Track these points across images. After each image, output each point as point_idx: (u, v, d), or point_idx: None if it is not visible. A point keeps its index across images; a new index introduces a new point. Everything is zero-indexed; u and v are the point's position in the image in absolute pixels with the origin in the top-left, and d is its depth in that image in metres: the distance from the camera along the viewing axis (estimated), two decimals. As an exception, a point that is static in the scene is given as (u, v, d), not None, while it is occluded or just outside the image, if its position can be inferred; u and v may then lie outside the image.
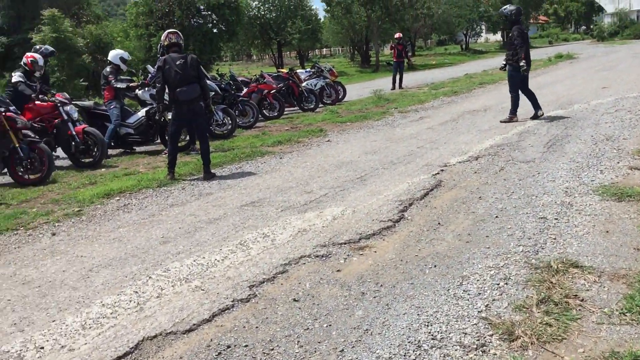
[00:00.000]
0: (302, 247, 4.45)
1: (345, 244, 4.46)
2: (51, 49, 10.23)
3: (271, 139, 10.07)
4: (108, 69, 9.69)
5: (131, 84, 9.83)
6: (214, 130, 10.78)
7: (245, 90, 13.07)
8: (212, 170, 7.45)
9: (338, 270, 3.95)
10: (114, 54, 9.91)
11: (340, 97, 16.14)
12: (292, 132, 10.89)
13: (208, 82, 10.65)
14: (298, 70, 16.21)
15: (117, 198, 6.51)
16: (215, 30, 34.42)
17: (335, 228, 4.86)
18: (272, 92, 13.21)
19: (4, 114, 7.42)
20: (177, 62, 7.05)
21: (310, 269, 4.00)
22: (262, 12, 42.02)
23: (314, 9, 44.58)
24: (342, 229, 4.81)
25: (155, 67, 7.53)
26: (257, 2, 41.62)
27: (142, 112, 9.63)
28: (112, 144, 9.60)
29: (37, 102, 8.50)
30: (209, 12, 34.11)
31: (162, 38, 7.45)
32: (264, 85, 13.14)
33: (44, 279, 4.15)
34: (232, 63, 69.68)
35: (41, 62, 9.05)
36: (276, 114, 13.35)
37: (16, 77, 8.68)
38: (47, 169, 7.59)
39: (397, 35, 20.62)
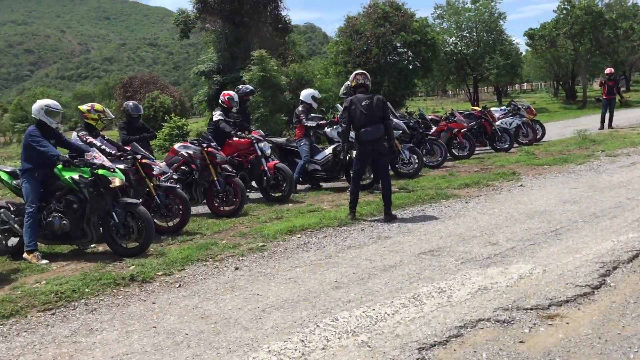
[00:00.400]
0: (481, 308, 4.03)
1: (531, 309, 3.95)
2: (251, 88, 10.98)
3: (458, 180, 9.64)
4: (300, 107, 10.14)
5: (321, 122, 10.16)
6: (399, 169, 10.67)
7: (434, 128, 12.80)
8: (393, 212, 7.28)
9: (521, 342, 3.48)
10: (305, 94, 10.35)
11: (538, 137, 15.07)
12: (482, 174, 10.33)
13: (396, 120, 10.63)
14: (492, 108, 15.50)
15: (299, 235, 6.63)
16: (410, 67, 34.71)
17: (521, 289, 4.35)
18: (462, 130, 12.76)
19: (205, 149, 8.08)
20: (363, 103, 7.11)
21: (489, 336, 3.58)
22: (459, 48, 41.49)
23: (515, 43, 42.68)
24: (529, 291, 4.29)
25: (343, 106, 7.66)
26: (454, 38, 41.25)
27: (329, 150, 9.87)
28: (301, 179, 9.96)
29: (235, 139, 9.16)
30: (405, 50, 34.61)
31: (350, 79, 7.60)
32: (453, 123, 12.76)
33: (220, 315, 4.28)
34: (427, 99, 69.76)
35: (236, 98, 9.72)
36: (466, 153, 12.85)
37: (217, 115, 9.42)
38: (239, 202, 8.06)
39: (607, 70, 18.79)
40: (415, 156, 10.74)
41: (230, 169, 8.45)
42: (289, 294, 4.67)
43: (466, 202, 7.93)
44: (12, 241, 6.48)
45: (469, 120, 13.69)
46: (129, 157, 6.95)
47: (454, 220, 6.93)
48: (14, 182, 6.56)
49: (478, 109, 14.35)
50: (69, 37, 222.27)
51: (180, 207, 7.14)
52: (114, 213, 6.05)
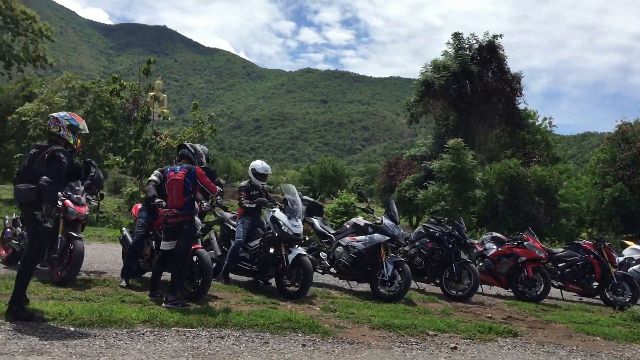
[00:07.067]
0: None
1: None
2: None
3: (419, 319, 6.63)
4: (243, 183, 8.51)
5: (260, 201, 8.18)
6: (379, 287, 8.04)
7: (494, 250, 9.40)
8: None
9: None
10: (251, 166, 8.54)
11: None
12: (488, 322, 7.00)
13: (386, 221, 8.19)
14: (633, 246, 10.73)
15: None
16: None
17: None
18: (532, 261, 9.02)
19: (63, 200, 7.12)
20: (32, 151, 5.45)
21: None
22: None
23: None
24: None
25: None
26: None
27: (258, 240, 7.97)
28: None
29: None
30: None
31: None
32: (520, 249, 9.10)
33: None
34: None
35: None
36: (536, 294, 9.01)
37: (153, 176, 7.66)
38: (69, 271, 6.84)
39: None
40: (400, 274, 7.94)
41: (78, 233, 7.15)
42: None
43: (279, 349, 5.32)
44: None
45: (572, 254, 9.73)
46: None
47: None
48: None
49: (589, 242, 9.93)
50: (402, 120, 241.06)
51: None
52: None
